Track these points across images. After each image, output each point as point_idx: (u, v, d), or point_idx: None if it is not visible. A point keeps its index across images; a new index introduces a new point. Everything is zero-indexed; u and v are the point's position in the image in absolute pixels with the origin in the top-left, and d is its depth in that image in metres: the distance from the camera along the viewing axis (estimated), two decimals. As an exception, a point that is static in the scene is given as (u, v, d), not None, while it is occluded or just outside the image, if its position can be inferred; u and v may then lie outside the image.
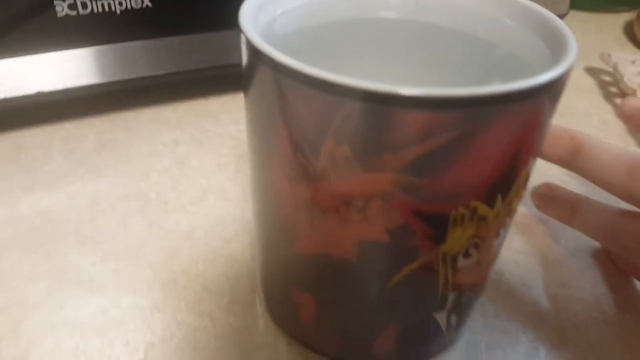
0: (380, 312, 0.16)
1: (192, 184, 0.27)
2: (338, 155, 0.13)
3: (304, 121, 0.13)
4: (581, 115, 0.34)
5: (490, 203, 0.14)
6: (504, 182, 0.14)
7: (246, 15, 0.15)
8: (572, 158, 0.20)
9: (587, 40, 0.45)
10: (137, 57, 0.29)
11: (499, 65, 0.16)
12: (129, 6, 0.28)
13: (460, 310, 0.17)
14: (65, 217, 0.24)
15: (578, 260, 0.24)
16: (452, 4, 0.18)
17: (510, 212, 0.15)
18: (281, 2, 0.17)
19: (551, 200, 0.23)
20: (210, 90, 0.34)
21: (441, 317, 0.17)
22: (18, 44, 0.26)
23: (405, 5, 0.18)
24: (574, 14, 0.49)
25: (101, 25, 0.28)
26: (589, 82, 0.38)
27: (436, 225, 0.14)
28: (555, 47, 0.15)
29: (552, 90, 0.13)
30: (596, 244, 0.24)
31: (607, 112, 0.35)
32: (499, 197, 0.14)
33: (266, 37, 0.15)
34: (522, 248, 0.24)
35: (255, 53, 0.13)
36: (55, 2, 0.26)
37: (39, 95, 0.28)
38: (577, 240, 0.24)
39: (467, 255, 0.15)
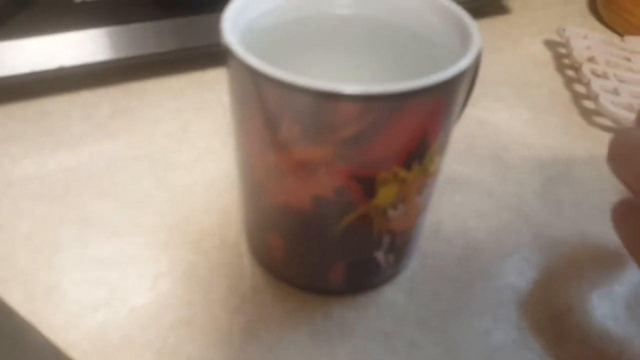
0: (331, 250, 0.20)
1: (192, 147, 0.30)
2: (293, 133, 0.16)
3: (269, 106, 0.16)
4: (532, 86, 0.37)
5: (408, 168, 0.17)
6: (418, 153, 0.17)
7: (227, 20, 0.17)
8: None
9: (551, 12, 0.46)
10: (146, 36, 0.32)
11: (424, 55, 0.19)
12: (134, -9, 0.30)
13: (396, 251, 0.21)
14: (86, 174, 0.28)
15: (507, 213, 0.27)
16: (392, 2, 0.20)
17: (427, 174, 0.18)
18: (257, 6, 0.19)
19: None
20: (207, 64, 0.36)
21: (380, 256, 0.21)
22: (42, 25, 0.29)
23: (357, 3, 0.21)
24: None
25: (113, 9, 0.30)
26: (546, 55, 0.40)
27: (367, 185, 0.17)
28: (465, 44, 0.17)
29: (449, 86, 0.16)
30: (519, 199, 0.28)
31: (556, 81, 0.37)
32: (415, 164, 0.17)
33: (246, 36, 0.18)
34: (460, 202, 0.27)
35: (233, 56, 0.16)
36: (71, -11, 0.28)
37: (61, 69, 0.31)
38: (507, 198, 0.28)
39: (394, 208, 0.19)
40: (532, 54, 0.40)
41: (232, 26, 0.17)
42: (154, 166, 0.28)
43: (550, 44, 0.42)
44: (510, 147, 0.31)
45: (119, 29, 0.31)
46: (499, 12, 0.46)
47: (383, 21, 0.21)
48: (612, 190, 0.29)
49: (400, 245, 0.21)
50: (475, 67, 0.24)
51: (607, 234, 0.26)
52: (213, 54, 0.35)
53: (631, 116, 0.30)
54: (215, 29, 0.33)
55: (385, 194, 0.18)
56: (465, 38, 0.18)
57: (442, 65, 0.15)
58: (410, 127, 0.16)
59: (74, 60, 0.31)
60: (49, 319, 0.21)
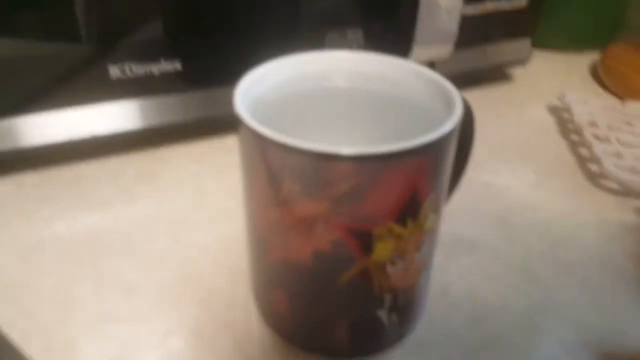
0: (333, 306, 0.20)
1: (208, 208, 0.31)
2: (293, 190, 0.17)
3: (272, 166, 0.18)
4: (536, 150, 0.37)
5: (402, 224, 0.18)
6: (411, 209, 0.18)
7: (239, 93, 0.19)
8: None
9: (553, 79, 0.48)
10: (173, 107, 0.35)
11: (412, 121, 0.21)
12: (164, 70, 0.33)
13: (399, 310, 0.21)
14: (108, 234, 0.29)
15: (514, 275, 0.27)
16: (383, 76, 0.22)
17: (423, 231, 0.19)
18: (266, 81, 0.22)
19: None
20: (227, 131, 0.39)
21: (383, 315, 0.21)
22: (80, 98, 0.32)
23: (353, 78, 0.23)
24: (543, 55, 0.52)
25: (143, 84, 0.33)
26: (549, 120, 0.41)
27: (364, 240, 0.18)
28: (449, 110, 0.19)
29: (433, 148, 0.17)
30: (527, 261, 0.28)
31: (561, 145, 0.38)
32: (410, 220, 0.18)
33: (256, 106, 0.20)
34: (468, 264, 0.28)
35: (242, 124, 0.18)
36: (109, 68, 0.31)
37: (94, 138, 0.33)
38: (515, 261, 0.28)
39: (393, 264, 0.19)
40: (535, 120, 0.42)
41: (242, 98, 0.19)
42: (171, 226, 0.30)
43: (553, 110, 0.43)
44: (517, 210, 0.32)
45: (148, 100, 0.34)
46: (501, 79, 0.48)
47: (376, 92, 0.22)
48: (621, 254, 0.28)
49: (403, 305, 0.21)
50: (465, 130, 0.25)
51: (617, 297, 0.26)
52: (232, 122, 0.37)
53: (636, 179, 0.31)
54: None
55: (382, 249, 0.18)
56: (449, 105, 0.19)
57: (428, 129, 0.17)
58: (400, 184, 0.17)
59: (106, 129, 0.33)
60: (62, 372, 0.22)
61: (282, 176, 0.17)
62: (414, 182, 0.17)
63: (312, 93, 0.23)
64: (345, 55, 0.23)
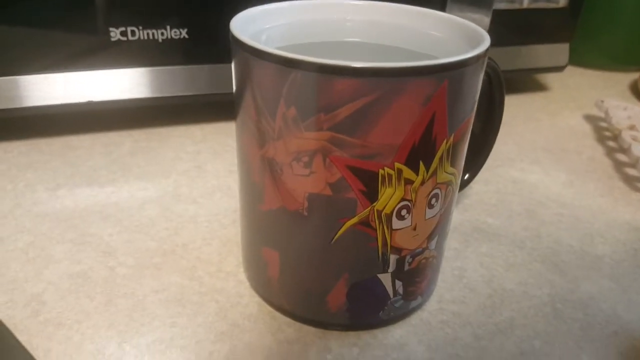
0: (330, 265, 0.19)
1: (204, 183, 0.30)
2: (288, 116, 0.16)
3: (264, 90, 0.17)
4: (570, 152, 0.36)
5: (414, 168, 0.17)
6: (424, 149, 0.17)
7: (236, 20, 0.19)
8: None
9: (593, 93, 0.47)
10: (174, 79, 0.34)
11: None
12: (168, 36, 0.33)
13: (405, 279, 0.20)
14: (94, 200, 0.28)
15: (539, 265, 0.25)
16: (399, 26, 0.21)
17: (436, 183, 0.18)
18: (268, 19, 0.21)
19: None
20: (230, 113, 0.38)
21: (386, 280, 0.19)
22: (76, 61, 0.32)
23: (364, 31, 0.22)
24: (582, 71, 0.51)
25: (145, 51, 0.33)
26: (585, 127, 0.40)
27: (368, 181, 0.17)
28: (473, 45, 0.18)
29: (453, 73, 0.16)
30: (553, 252, 0.26)
31: (597, 150, 0.36)
32: (422, 165, 0.17)
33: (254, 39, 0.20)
34: (488, 252, 0.26)
35: (234, 40, 0.17)
36: (110, 29, 0.31)
37: (89, 104, 0.33)
38: (541, 251, 0.26)
39: (400, 217, 0.18)
40: (571, 126, 0.40)
41: (240, 28, 0.19)
42: (163, 199, 0.29)
43: (589, 118, 0.42)
44: (546, 204, 0.30)
45: (149, 70, 0.33)
46: (537, 89, 0.47)
47: (391, 46, 0.21)
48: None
49: (410, 273, 0.19)
50: (492, 93, 0.24)
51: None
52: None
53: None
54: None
55: (388, 196, 0.17)
56: (474, 41, 0.18)
57: None
58: (413, 113, 0.16)
59: (103, 96, 0.33)
60: (26, 324, 0.20)
61: (276, 100, 0.16)
62: (430, 113, 0.16)
63: (322, 38, 0.22)
64: (360, 2, 0.22)
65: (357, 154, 0.16)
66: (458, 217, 0.28)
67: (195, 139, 0.35)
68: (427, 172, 0.17)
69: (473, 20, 0.38)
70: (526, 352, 0.20)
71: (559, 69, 0.45)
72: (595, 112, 0.42)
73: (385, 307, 0.20)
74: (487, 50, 0.17)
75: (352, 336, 0.21)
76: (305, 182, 0.17)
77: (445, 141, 0.17)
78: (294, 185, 0.17)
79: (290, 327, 0.21)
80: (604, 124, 0.40)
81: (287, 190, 0.18)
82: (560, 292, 0.23)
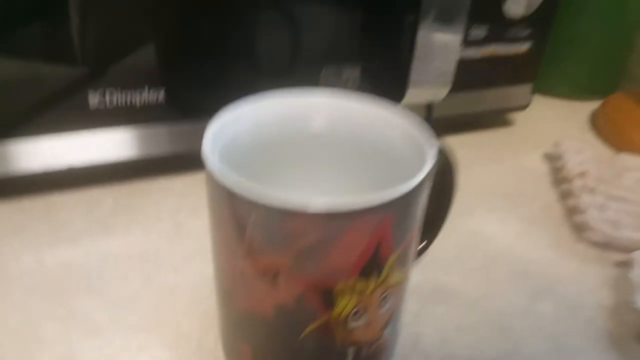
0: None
1: (183, 247, 0.32)
2: (254, 241, 0.19)
3: (235, 216, 0.19)
4: (526, 198, 0.39)
5: (365, 280, 0.19)
6: (374, 265, 0.19)
7: (209, 135, 0.21)
8: None
9: (555, 128, 0.50)
10: (152, 139, 0.36)
11: (387, 168, 0.23)
12: (146, 101, 0.35)
13: (363, 363, 0.22)
14: (79, 270, 0.30)
15: (488, 328, 0.28)
16: (361, 122, 0.24)
17: (387, 286, 0.20)
18: (242, 121, 0.23)
19: None
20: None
21: (346, 368, 0.22)
22: (56, 126, 0.33)
23: (330, 121, 0.24)
24: (544, 100, 0.54)
25: (124, 115, 0.35)
26: (543, 168, 0.43)
27: (325, 295, 0.19)
28: (422, 164, 0.20)
29: (396, 204, 0.18)
30: (500, 313, 0.29)
31: (551, 196, 0.40)
32: (373, 276, 0.19)
33: (229, 147, 0.22)
34: (442, 314, 0.29)
35: (208, 168, 0.19)
36: (89, 97, 0.33)
37: (70, 169, 0.35)
38: (489, 313, 0.29)
39: (356, 319, 0.20)
40: (530, 167, 0.43)
41: (213, 139, 0.21)
42: (144, 265, 0.31)
43: (548, 158, 0.44)
44: (498, 260, 0.33)
45: (130, 130, 0.35)
46: (500, 123, 0.50)
47: (354, 138, 0.24)
48: (594, 307, 0.30)
49: (368, 358, 0.22)
50: (444, 180, 0.26)
51: (585, 350, 0.27)
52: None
53: (616, 233, 0.32)
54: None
55: (344, 304, 0.20)
56: (422, 157, 0.20)
57: (402, 179, 0.18)
58: (364, 240, 0.18)
59: (84, 160, 0.35)
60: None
61: (244, 226, 0.19)
62: (378, 237, 0.18)
63: (288, 136, 0.24)
64: (324, 97, 0.24)
65: (316, 273, 0.19)
66: (417, 277, 0.31)
67: (176, 194, 0.37)
68: (378, 279, 0.20)
69: (438, 70, 0.40)
70: (472, 419, 0.23)
71: (522, 107, 0.47)
72: (553, 150, 0.45)
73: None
74: (430, 170, 0.19)
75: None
76: (272, 295, 0.20)
77: (392, 254, 0.20)
78: (262, 297, 0.20)
79: (263, 405, 0.23)
80: (559, 164, 0.43)
81: (255, 299, 0.20)
82: (504, 356, 0.26)
